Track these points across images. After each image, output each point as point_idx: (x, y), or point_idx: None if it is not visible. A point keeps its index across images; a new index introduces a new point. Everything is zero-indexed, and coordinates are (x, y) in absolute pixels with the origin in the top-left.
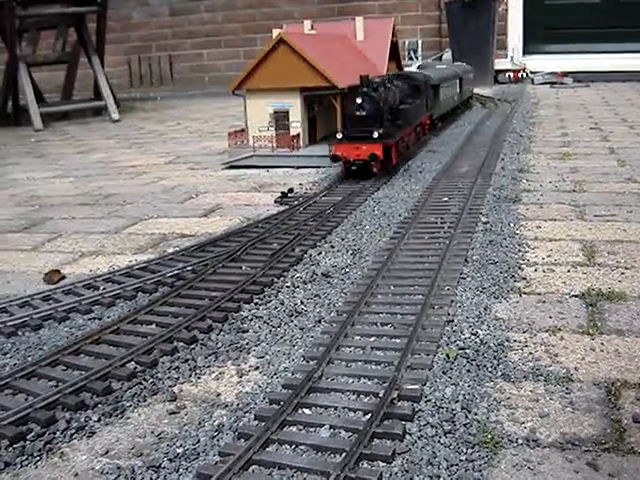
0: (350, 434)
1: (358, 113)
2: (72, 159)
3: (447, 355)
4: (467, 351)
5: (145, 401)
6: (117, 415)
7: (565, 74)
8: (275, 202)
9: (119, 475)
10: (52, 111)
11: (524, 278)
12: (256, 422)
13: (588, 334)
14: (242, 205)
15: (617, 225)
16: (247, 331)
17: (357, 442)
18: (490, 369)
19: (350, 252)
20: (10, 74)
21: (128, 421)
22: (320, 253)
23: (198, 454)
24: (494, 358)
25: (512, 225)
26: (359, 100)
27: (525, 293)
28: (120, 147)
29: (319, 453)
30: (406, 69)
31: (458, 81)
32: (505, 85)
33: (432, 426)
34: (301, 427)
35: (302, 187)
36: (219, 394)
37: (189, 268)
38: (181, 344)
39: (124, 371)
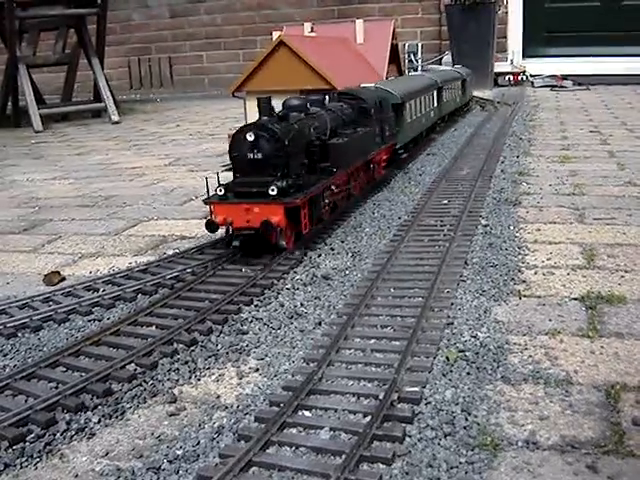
0: (350, 436)
1: (251, 156)
2: (72, 161)
3: (447, 358)
4: (467, 354)
5: (145, 403)
6: (117, 417)
7: (565, 77)
8: None
9: (119, 476)
10: (52, 113)
11: (524, 281)
12: (256, 424)
13: (588, 337)
14: None
15: (617, 228)
16: (247, 333)
17: (357, 444)
18: (490, 372)
19: (350, 254)
20: (10, 75)
21: (128, 423)
22: (320, 255)
23: (198, 456)
24: (494, 361)
25: (512, 228)
26: (251, 137)
27: (525, 296)
28: (120, 149)
29: (319, 455)
30: (411, 72)
31: (435, 92)
32: (505, 88)
33: (432, 428)
34: (301, 429)
35: None
36: (219, 396)
37: (189, 270)
38: (181, 346)
39: (124, 373)
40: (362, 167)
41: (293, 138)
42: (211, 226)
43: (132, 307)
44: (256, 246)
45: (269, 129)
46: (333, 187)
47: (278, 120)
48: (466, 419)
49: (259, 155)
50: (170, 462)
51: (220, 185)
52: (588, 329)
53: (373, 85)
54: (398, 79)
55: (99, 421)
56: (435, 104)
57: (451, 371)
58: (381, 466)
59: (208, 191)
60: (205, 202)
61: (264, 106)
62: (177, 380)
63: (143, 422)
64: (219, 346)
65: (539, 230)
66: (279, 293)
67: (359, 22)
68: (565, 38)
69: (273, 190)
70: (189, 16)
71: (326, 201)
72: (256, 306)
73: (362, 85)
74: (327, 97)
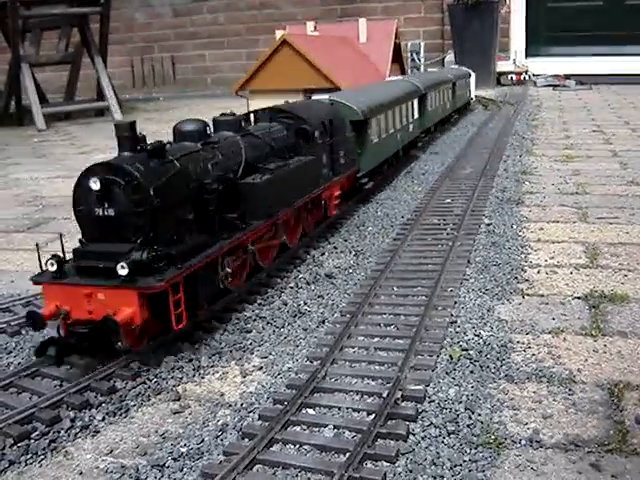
0: (354, 434)
1: (99, 212)
2: (75, 159)
3: (450, 356)
4: (470, 352)
5: (149, 400)
6: (121, 414)
7: (567, 77)
8: None
9: (123, 474)
10: (55, 111)
11: (527, 280)
12: (260, 422)
13: (591, 336)
14: None
15: (620, 227)
16: (251, 331)
17: (361, 442)
18: (493, 370)
19: (353, 253)
20: (13, 74)
21: (132, 420)
22: (323, 254)
23: (202, 453)
24: (497, 359)
25: (515, 227)
26: (96, 184)
27: (528, 295)
28: None
29: (323, 453)
30: (414, 71)
31: (417, 101)
32: (508, 87)
33: (436, 427)
34: (305, 427)
35: None
36: (223, 394)
37: None
38: (185, 344)
39: (128, 370)
40: (307, 207)
41: (167, 183)
42: (34, 321)
43: None
44: (94, 343)
45: (125, 172)
46: (248, 245)
47: (147, 156)
48: (470, 417)
49: (110, 211)
50: (174, 459)
51: (53, 257)
52: (591, 328)
53: (327, 98)
54: (366, 88)
55: (103, 419)
56: (416, 115)
57: (455, 369)
58: (385, 464)
59: (40, 264)
60: (32, 281)
61: (124, 135)
62: (181, 378)
63: (147, 420)
64: (223, 344)
65: (542, 229)
66: (282, 292)
67: (362, 21)
68: (568, 37)
69: (123, 267)
70: (192, 15)
71: (227, 270)
72: (260, 304)
73: (313, 97)
74: (252, 116)
